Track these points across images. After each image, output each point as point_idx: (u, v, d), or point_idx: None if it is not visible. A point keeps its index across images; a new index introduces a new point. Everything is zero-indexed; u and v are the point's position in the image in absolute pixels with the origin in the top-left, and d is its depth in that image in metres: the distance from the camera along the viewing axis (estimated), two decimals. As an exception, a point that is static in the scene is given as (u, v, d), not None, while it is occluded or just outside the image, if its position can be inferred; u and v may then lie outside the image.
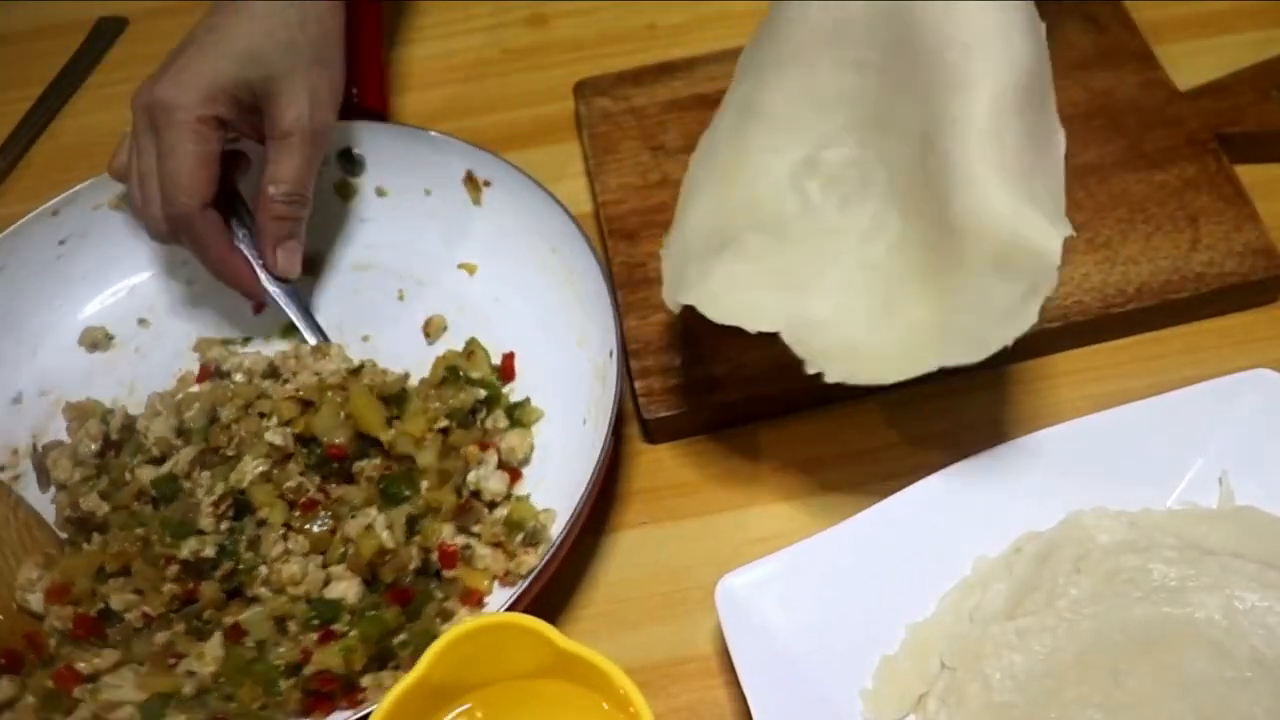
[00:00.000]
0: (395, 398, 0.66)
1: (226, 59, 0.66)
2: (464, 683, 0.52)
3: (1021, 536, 0.59)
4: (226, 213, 0.70)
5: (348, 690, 0.58)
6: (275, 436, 0.64)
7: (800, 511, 0.64)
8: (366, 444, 0.65)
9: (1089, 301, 0.68)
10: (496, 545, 0.62)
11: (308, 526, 0.61)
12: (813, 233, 0.60)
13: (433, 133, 0.74)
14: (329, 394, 0.65)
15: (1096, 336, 0.69)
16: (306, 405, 0.65)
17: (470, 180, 0.74)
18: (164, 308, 0.76)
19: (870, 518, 0.58)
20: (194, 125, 0.65)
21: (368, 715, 0.52)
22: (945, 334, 0.55)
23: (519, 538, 0.62)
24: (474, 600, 0.61)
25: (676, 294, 0.60)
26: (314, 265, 0.76)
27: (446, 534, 0.62)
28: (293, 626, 0.59)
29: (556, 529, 0.61)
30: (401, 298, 0.74)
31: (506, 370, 0.70)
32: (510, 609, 0.56)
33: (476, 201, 0.74)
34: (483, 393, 0.67)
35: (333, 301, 0.75)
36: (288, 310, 0.71)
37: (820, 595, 0.57)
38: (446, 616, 0.61)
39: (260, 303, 0.73)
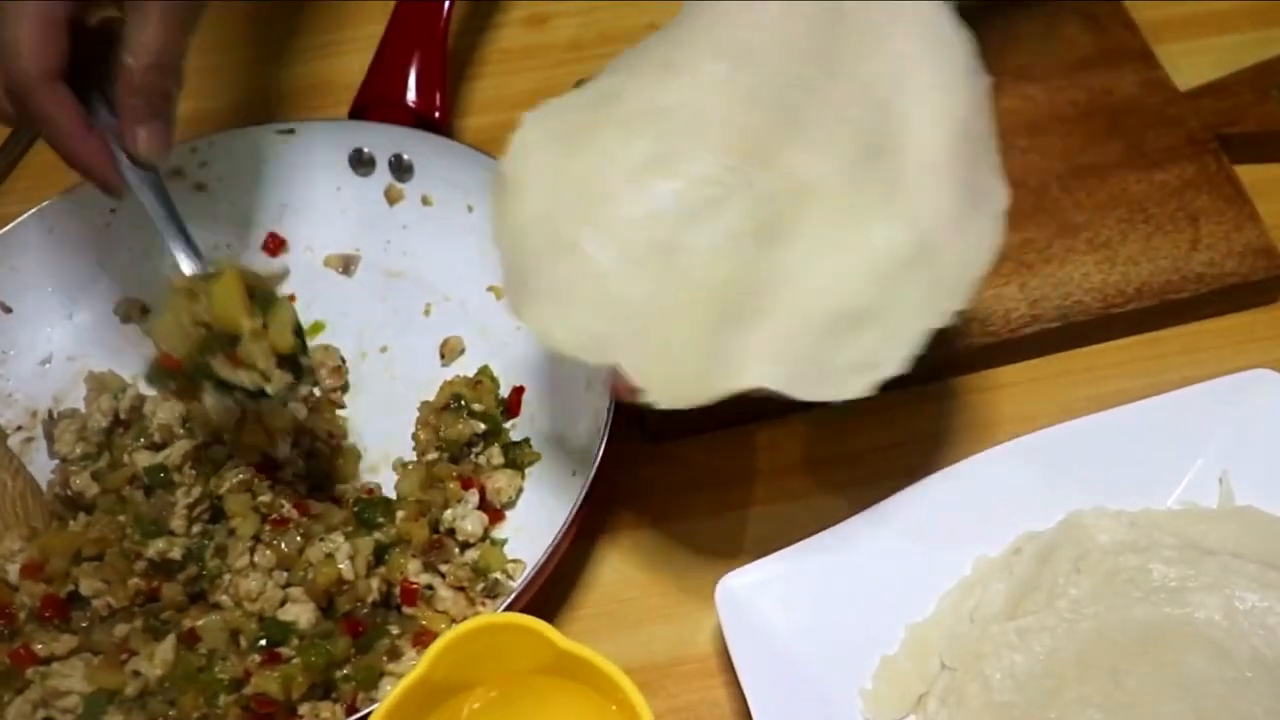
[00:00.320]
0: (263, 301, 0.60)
1: None
2: (464, 682, 0.52)
3: (1021, 536, 0.59)
4: (90, 92, 0.63)
5: (288, 715, 0.58)
6: (275, 448, 0.64)
7: (800, 511, 0.64)
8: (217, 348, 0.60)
9: (1089, 301, 0.68)
10: (460, 589, 0.62)
11: (275, 542, 0.61)
12: (650, 246, 0.53)
13: (480, 152, 0.74)
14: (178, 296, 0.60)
15: (1096, 336, 0.69)
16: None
17: None
18: None
19: (870, 518, 0.58)
20: None
21: (368, 715, 0.52)
22: (765, 366, 0.51)
23: (480, 586, 0.62)
24: (426, 642, 0.58)
25: (518, 306, 0.55)
26: (349, 265, 0.76)
27: (412, 570, 0.62)
28: (243, 642, 0.59)
29: (551, 533, 0.60)
30: (427, 312, 0.74)
31: (513, 405, 0.70)
32: (510, 609, 0.56)
33: None
34: (481, 426, 0.67)
35: (360, 305, 0.75)
36: (146, 203, 0.63)
37: (820, 595, 0.57)
38: (395, 655, 0.60)
39: (118, 195, 0.64)
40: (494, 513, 0.65)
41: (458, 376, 0.70)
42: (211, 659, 0.59)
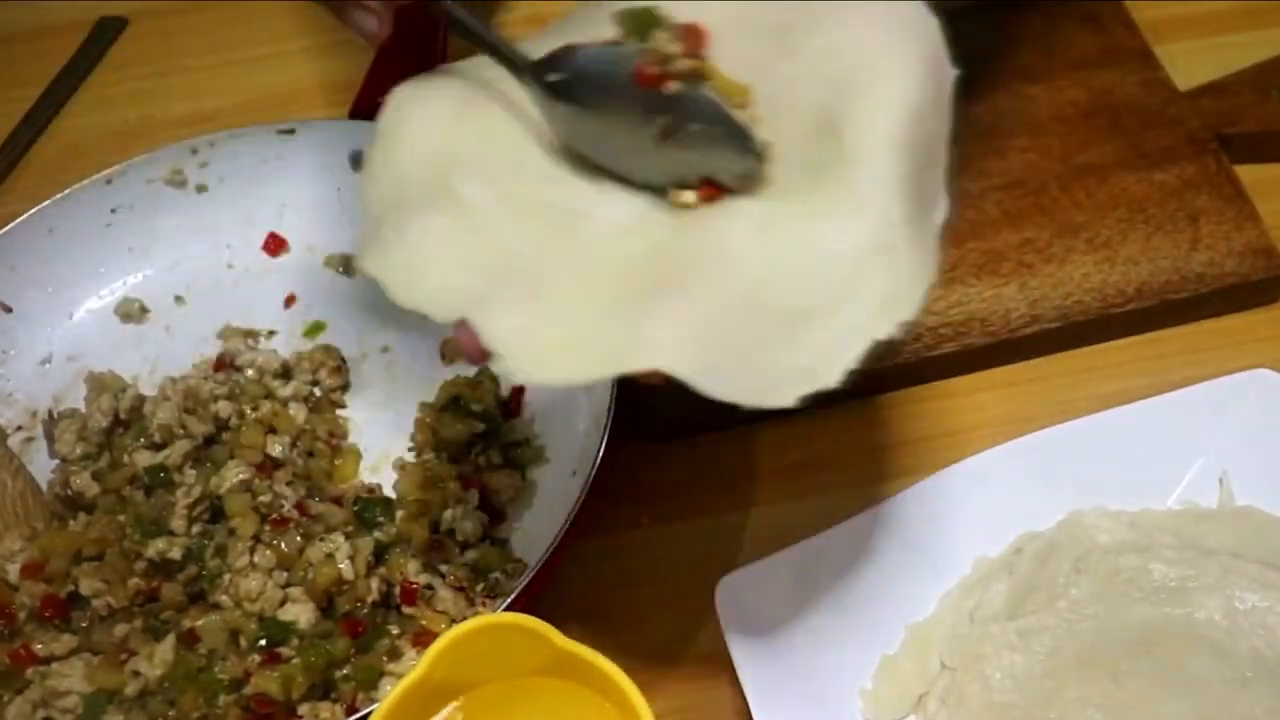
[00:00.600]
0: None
1: None
2: (464, 682, 0.52)
3: (1021, 536, 0.59)
4: None
5: (287, 714, 0.58)
6: (275, 447, 0.64)
7: (800, 511, 0.64)
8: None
9: (1089, 301, 0.68)
10: (460, 589, 0.62)
11: (275, 542, 0.61)
12: (556, 206, 0.48)
13: None
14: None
15: (1096, 336, 0.69)
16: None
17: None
18: (201, 288, 0.76)
19: (870, 518, 0.58)
20: None
21: (368, 715, 0.52)
22: (682, 346, 0.44)
23: (480, 586, 0.62)
24: (426, 642, 0.57)
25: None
26: (349, 265, 0.76)
27: (411, 570, 0.62)
28: (243, 642, 0.59)
29: (551, 533, 0.60)
30: None
31: (513, 406, 0.70)
32: (510, 609, 0.56)
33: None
34: (481, 426, 0.67)
35: (360, 305, 0.75)
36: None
37: (820, 595, 0.57)
38: (395, 655, 0.60)
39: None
40: (494, 513, 0.65)
41: (458, 376, 0.70)
42: (211, 659, 0.58)
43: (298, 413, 0.68)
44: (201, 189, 0.76)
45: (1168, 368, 0.67)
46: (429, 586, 0.62)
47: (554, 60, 0.49)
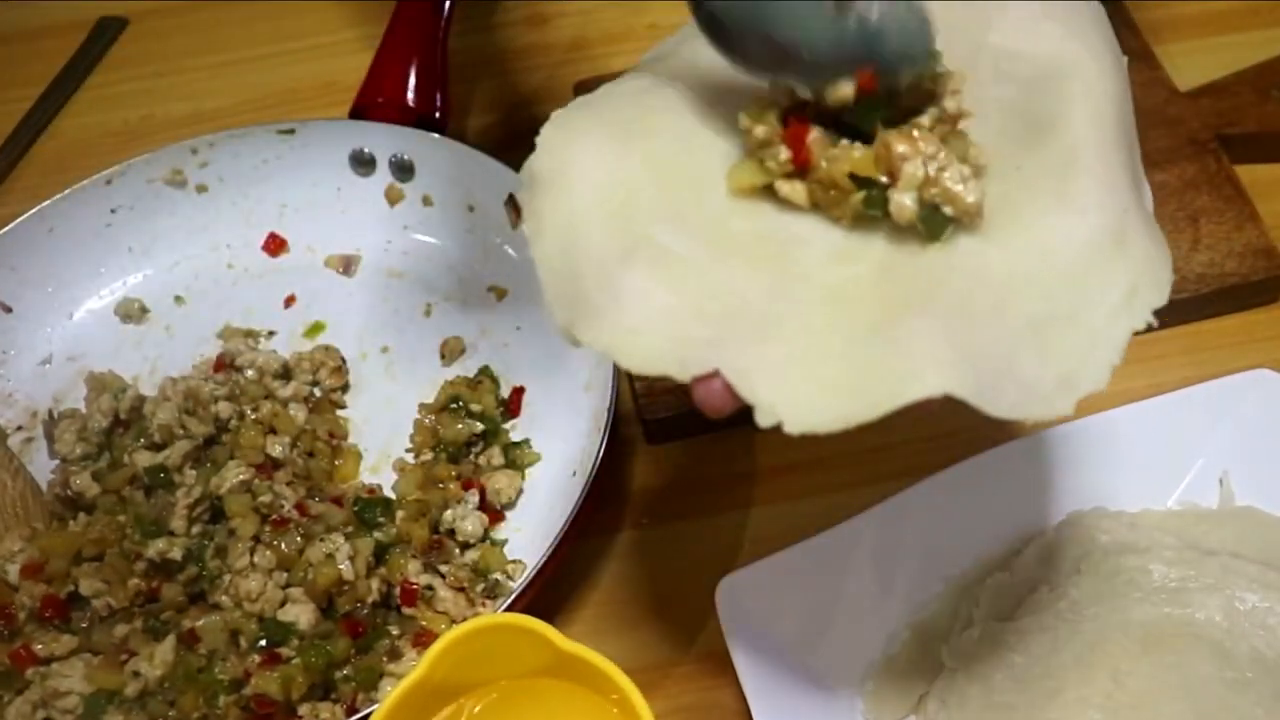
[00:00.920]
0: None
1: None
2: (464, 683, 0.52)
3: (1021, 536, 0.59)
4: None
5: (287, 715, 0.58)
6: (275, 448, 0.64)
7: (800, 511, 0.64)
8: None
9: (1089, 302, 0.68)
10: (460, 589, 0.62)
11: (275, 542, 0.61)
12: (757, 238, 0.45)
13: (481, 152, 0.74)
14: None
15: (1097, 337, 0.69)
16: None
17: (512, 204, 0.74)
18: (201, 288, 0.76)
19: (870, 518, 0.58)
20: None
21: (368, 715, 0.52)
22: (946, 367, 0.40)
23: (480, 586, 0.62)
24: (426, 642, 0.58)
25: (574, 321, 0.43)
26: (349, 265, 0.76)
27: (412, 570, 0.62)
28: (243, 642, 0.59)
29: (551, 533, 0.60)
30: (428, 313, 0.74)
31: (513, 405, 0.70)
32: (510, 609, 0.56)
33: (515, 226, 0.74)
34: (480, 426, 0.67)
35: (361, 305, 0.75)
36: None
37: (820, 595, 0.57)
38: (395, 656, 0.60)
39: None
40: (494, 513, 0.65)
41: (458, 377, 0.70)
42: (211, 659, 0.58)
43: (298, 413, 0.68)
44: (201, 189, 0.76)
45: (1168, 368, 0.67)
46: (429, 587, 0.62)
47: None
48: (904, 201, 0.43)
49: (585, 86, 0.83)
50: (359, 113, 0.79)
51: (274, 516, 0.62)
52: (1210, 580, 0.56)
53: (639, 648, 0.61)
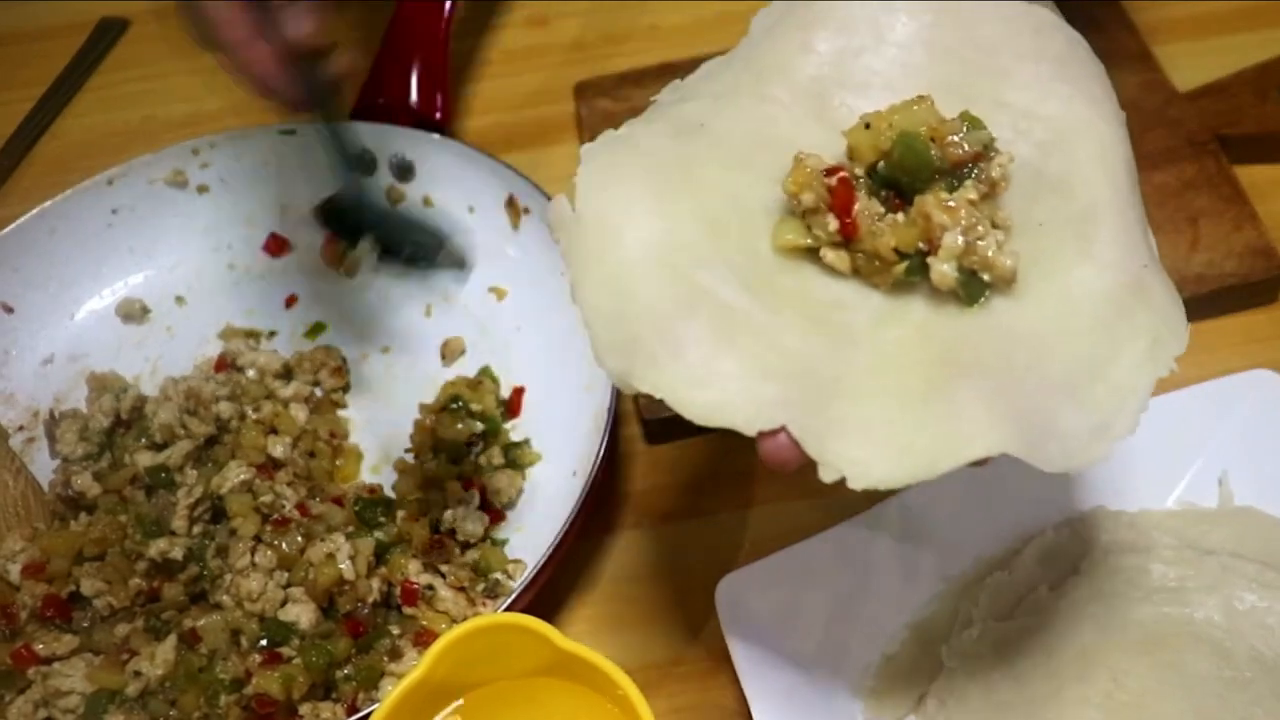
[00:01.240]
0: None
1: None
2: (464, 683, 0.52)
3: (1021, 536, 0.60)
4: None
5: (288, 714, 0.58)
6: (277, 448, 0.64)
7: (800, 511, 0.64)
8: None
9: (1089, 302, 0.68)
10: (460, 589, 0.62)
11: (276, 542, 0.61)
12: (804, 298, 0.46)
13: (481, 153, 0.74)
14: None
15: (1096, 337, 0.69)
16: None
17: (511, 205, 0.74)
18: (202, 289, 0.76)
19: (870, 518, 0.58)
20: None
21: (368, 715, 0.52)
22: (997, 428, 0.42)
23: (480, 586, 0.62)
24: (427, 642, 0.57)
25: (630, 370, 0.44)
26: (354, 265, 0.76)
27: (412, 570, 0.62)
28: (244, 642, 0.59)
29: (551, 533, 0.60)
30: (428, 313, 0.74)
31: (514, 406, 0.70)
32: (510, 609, 0.56)
33: (515, 227, 0.74)
34: (480, 426, 0.67)
35: (361, 306, 0.75)
36: (303, 91, 0.63)
37: (820, 595, 0.57)
38: (396, 655, 0.60)
39: (281, 103, 0.64)
40: (494, 513, 0.65)
41: (458, 377, 0.70)
42: (212, 659, 0.59)
43: (299, 413, 0.68)
44: (202, 189, 0.76)
45: (1167, 368, 0.67)
46: (429, 587, 0.62)
47: None
48: (944, 270, 0.45)
49: (585, 86, 0.83)
50: (360, 113, 0.79)
51: (275, 516, 0.62)
52: (1209, 580, 0.56)
53: (639, 648, 0.61)
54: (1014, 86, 0.49)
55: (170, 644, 0.59)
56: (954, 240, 0.44)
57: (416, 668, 0.50)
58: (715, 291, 0.45)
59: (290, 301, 0.75)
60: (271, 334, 0.74)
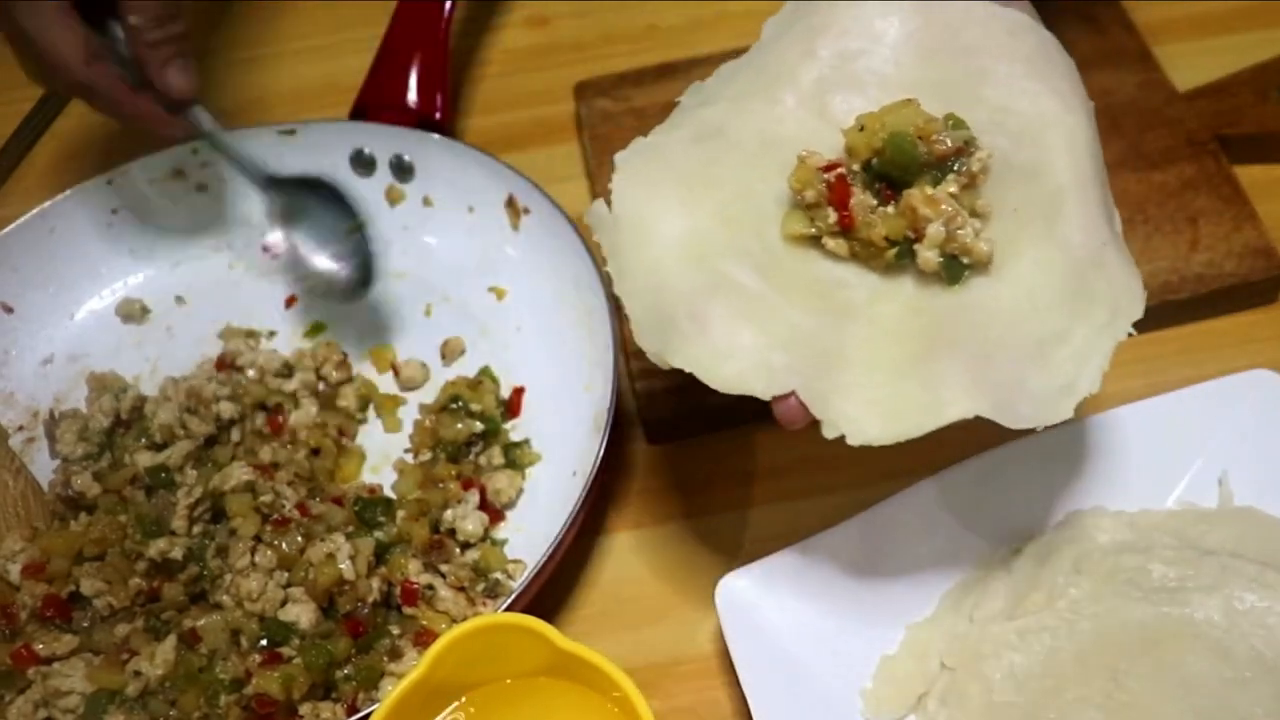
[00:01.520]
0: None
1: None
2: (464, 682, 0.52)
3: (1021, 536, 0.60)
4: (109, 23, 0.67)
5: (288, 714, 0.58)
6: (279, 451, 0.64)
7: (800, 511, 0.64)
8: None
9: (1089, 302, 0.68)
10: (460, 589, 0.62)
11: (276, 542, 0.61)
12: (809, 278, 0.53)
13: (481, 153, 0.74)
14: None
15: (1096, 337, 0.69)
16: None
17: (511, 205, 0.74)
18: (202, 289, 0.76)
19: (870, 518, 0.58)
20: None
21: (368, 715, 0.52)
22: (972, 394, 0.49)
23: (481, 586, 0.62)
24: (427, 642, 0.58)
25: (665, 347, 0.51)
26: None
27: (412, 570, 0.62)
28: (244, 642, 0.59)
29: (551, 533, 0.60)
30: (428, 313, 0.74)
31: (513, 406, 0.70)
32: (510, 609, 0.56)
33: (515, 227, 0.74)
34: (480, 426, 0.67)
35: (360, 307, 0.75)
36: (203, 126, 0.69)
37: (820, 595, 0.57)
38: (396, 655, 0.60)
39: (181, 137, 0.71)
40: (494, 513, 0.65)
41: (458, 377, 0.71)
42: (212, 659, 0.59)
43: (309, 406, 0.69)
44: (202, 189, 0.76)
45: (1167, 368, 0.67)
46: (429, 586, 0.62)
47: None
48: (929, 256, 0.52)
49: (585, 86, 0.83)
50: (360, 113, 0.79)
51: (275, 516, 0.62)
52: (1209, 580, 0.56)
53: (639, 648, 0.61)
54: (991, 84, 0.55)
55: (170, 644, 0.59)
56: (937, 230, 0.51)
57: (416, 668, 0.50)
58: (733, 276, 0.52)
59: (290, 301, 0.75)
60: (271, 334, 0.74)
